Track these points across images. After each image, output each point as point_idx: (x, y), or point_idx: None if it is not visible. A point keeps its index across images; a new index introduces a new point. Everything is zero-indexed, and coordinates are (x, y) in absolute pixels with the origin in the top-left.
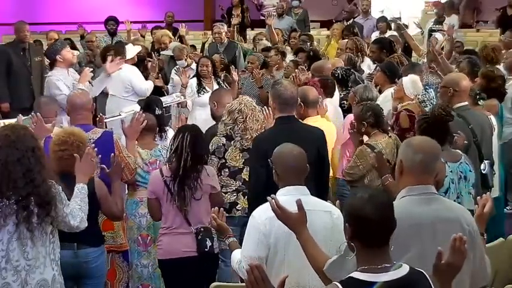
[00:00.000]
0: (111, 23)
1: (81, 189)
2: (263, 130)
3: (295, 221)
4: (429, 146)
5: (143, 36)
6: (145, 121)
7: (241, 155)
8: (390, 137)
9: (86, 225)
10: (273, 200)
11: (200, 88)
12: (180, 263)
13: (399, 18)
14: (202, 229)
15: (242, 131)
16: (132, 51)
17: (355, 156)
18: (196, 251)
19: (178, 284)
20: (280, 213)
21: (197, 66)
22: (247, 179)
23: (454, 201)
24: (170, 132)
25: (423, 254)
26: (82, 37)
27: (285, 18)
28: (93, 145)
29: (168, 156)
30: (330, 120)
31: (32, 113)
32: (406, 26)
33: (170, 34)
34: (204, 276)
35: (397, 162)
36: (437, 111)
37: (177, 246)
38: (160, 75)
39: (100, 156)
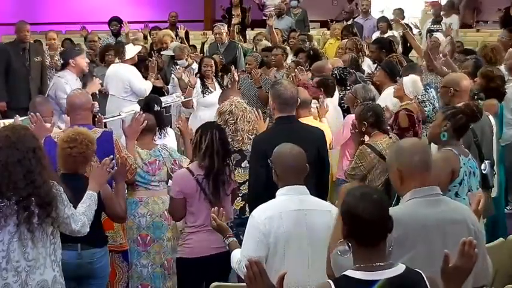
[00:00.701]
0: (114, 23)
1: (90, 196)
2: (254, 131)
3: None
4: (421, 144)
5: (146, 37)
6: (146, 121)
7: (232, 156)
8: (391, 137)
9: (88, 230)
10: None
11: (204, 89)
12: (210, 260)
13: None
14: (232, 224)
15: (233, 133)
16: (131, 51)
17: (356, 157)
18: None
19: (200, 281)
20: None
21: (200, 67)
22: (238, 180)
23: (466, 194)
24: (170, 132)
25: (431, 256)
26: (85, 39)
27: (284, 19)
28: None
29: (198, 155)
30: (323, 121)
31: (32, 113)
32: (408, 26)
33: (172, 34)
34: (227, 272)
35: (393, 171)
36: (472, 105)
37: (209, 243)
38: (160, 75)
39: (105, 156)
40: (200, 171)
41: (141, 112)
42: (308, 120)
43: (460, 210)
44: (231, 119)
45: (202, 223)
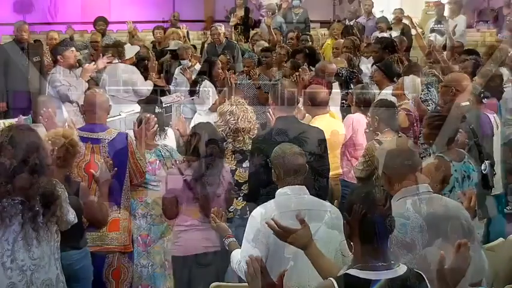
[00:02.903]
0: (100, 23)
1: None
2: (255, 131)
3: (301, 237)
4: (403, 147)
5: (132, 36)
6: (156, 125)
7: (233, 156)
8: (400, 136)
9: (76, 220)
10: (273, 222)
11: (216, 90)
12: (201, 259)
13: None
14: (229, 224)
15: (234, 133)
16: (131, 51)
17: (364, 151)
18: (219, 246)
19: (194, 279)
20: (283, 233)
21: (211, 69)
22: (239, 181)
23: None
24: (170, 132)
25: (427, 252)
26: (71, 38)
27: (274, 19)
28: (107, 146)
29: (188, 155)
30: (338, 118)
31: (44, 109)
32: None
33: (180, 32)
34: (221, 271)
35: (382, 173)
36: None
37: (199, 242)
38: (162, 74)
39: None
40: (189, 172)
41: (152, 115)
42: (325, 117)
43: (452, 207)
44: (232, 119)
45: (192, 223)
